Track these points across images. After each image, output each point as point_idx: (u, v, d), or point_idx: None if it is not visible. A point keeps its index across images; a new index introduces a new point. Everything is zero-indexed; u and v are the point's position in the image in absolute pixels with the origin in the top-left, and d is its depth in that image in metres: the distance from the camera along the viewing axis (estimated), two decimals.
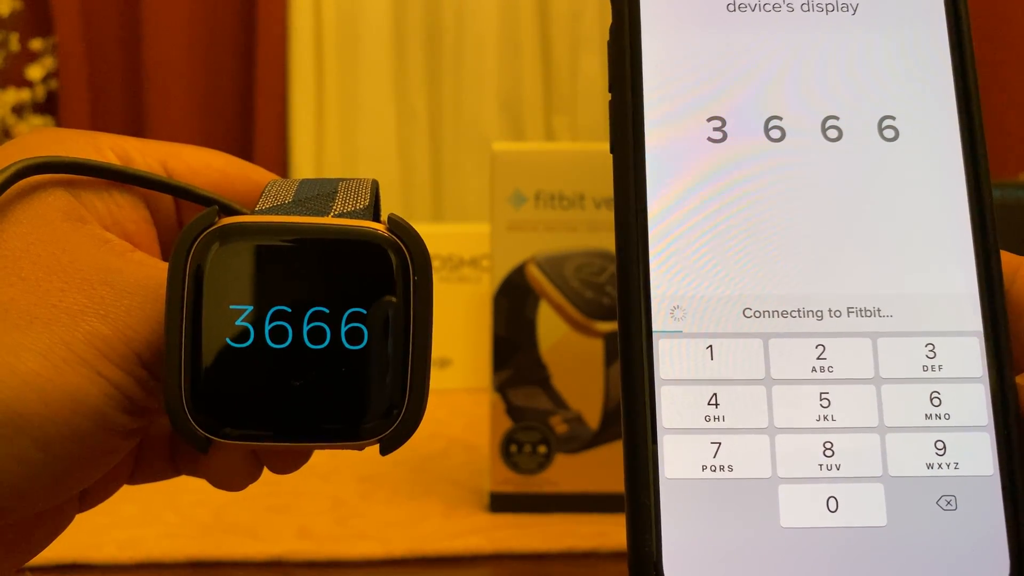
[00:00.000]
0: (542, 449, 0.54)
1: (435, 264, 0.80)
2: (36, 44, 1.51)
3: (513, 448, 0.54)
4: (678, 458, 0.21)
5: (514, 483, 0.54)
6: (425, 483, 0.58)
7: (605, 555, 0.49)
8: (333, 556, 0.48)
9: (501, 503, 0.54)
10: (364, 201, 0.24)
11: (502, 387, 0.54)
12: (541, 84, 1.59)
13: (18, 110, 1.49)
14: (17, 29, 1.50)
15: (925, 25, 0.23)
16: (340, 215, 0.23)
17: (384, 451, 0.22)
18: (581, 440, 0.54)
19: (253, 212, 0.24)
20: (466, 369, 0.82)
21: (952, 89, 0.23)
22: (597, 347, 0.54)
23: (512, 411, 0.54)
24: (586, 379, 0.54)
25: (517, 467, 0.54)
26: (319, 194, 0.24)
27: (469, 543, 0.49)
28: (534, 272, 0.54)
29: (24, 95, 1.48)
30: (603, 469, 0.54)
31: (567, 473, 0.54)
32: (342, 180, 0.25)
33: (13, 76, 1.49)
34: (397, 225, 0.23)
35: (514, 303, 0.54)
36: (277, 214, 0.23)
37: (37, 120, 1.49)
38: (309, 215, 0.23)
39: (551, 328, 0.54)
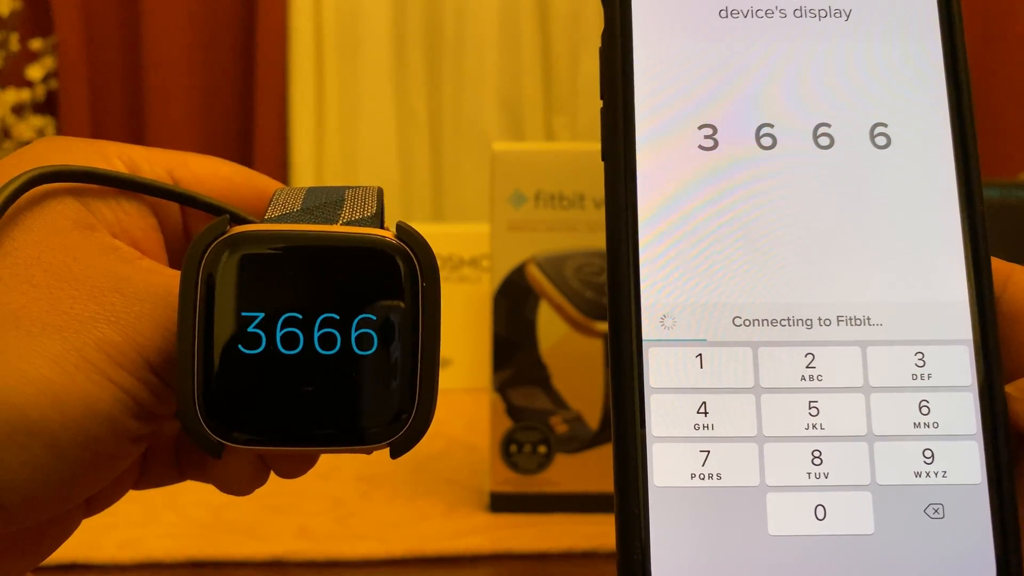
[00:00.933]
0: (542, 449, 0.54)
1: None
2: (36, 44, 1.51)
3: (513, 448, 0.54)
4: (667, 466, 0.21)
5: (514, 483, 0.54)
6: (425, 483, 0.58)
7: (605, 555, 0.49)
8: (333, 556, 0.48)
9: (501, 503, 0.54)
10: (371, 209, 0.24)
11: (502, 387, 0.54)
12: (541, 84, 1.59)
13: (18, 110, 1.49)
14: (17, 29, 1.49)
15: (918, 31, 0.23)
16: (348, 223, 0.24)
17: (394, 455, 0.23)
18: (581, 440, 0.54)
19: (262, 220, 0.24)
20: (466, 369, 0.82)
21: (945, 96, 0.23)
22: (597, 347, 0.54)
23: (512, 411, 0.54)
24: (586, 379, 0.54)
25: (517, 467, 0.54)
26: (327, 202, 0.25)
27: (469, 543, 0.49)
28: (534, 272, 0.54)
29: (24, 95, 1.48)
30: (603, 469, 0.54)
31: (567, 473, 0.54)
32: (348, 188, 0.26)
33: (13, 76, 1.49)
34: (405, 232, 0.23)
35: (514, 303, 0.54)
36: (286, 222, 0.24)
37: (37, 120, 1.49)
38: (318, 223, 0.24)
39: (551, 328, 0.54)
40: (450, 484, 0.58)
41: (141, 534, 0.49)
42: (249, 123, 1.57)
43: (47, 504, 0.22)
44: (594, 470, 0.54)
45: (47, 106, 1.53)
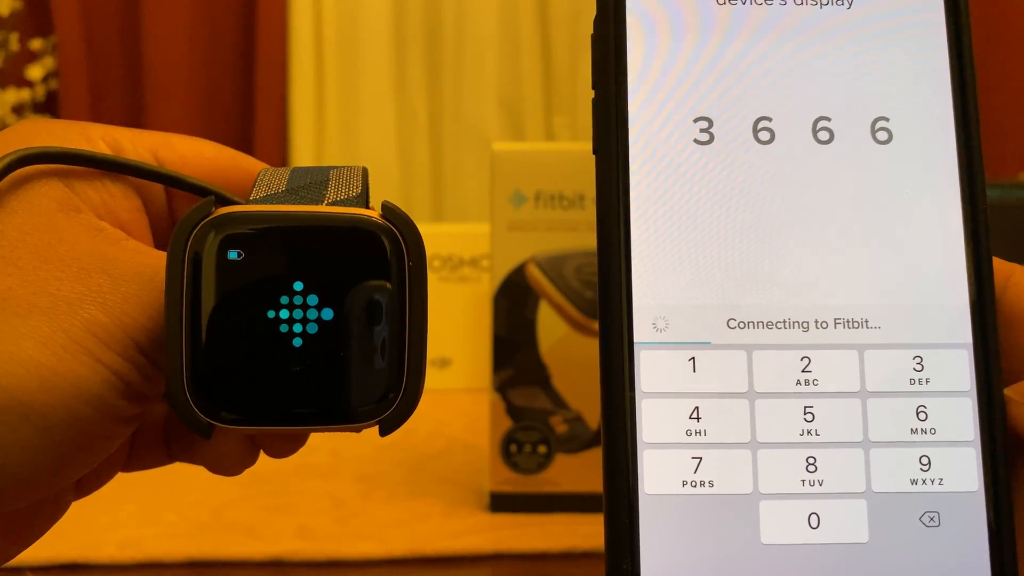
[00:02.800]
0: (542, 449, 0.54)
1: (435, 264, 0.80)
2: (36, 44, 1.51)
3: (513, 448, 0.54)
4: (658, 473, 0.20)
5: (514, 483, 0.54)
6: (425, 483, 0.58)
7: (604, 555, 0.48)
8: (333, 556, 0.48)
9: (501, 503, 0.54)
10: (356, 189, 0.25)
11: (502, 387, 0.54)
12: (541, 84, 1.59)
13: (18, 110, 1.49)
14: (17, 29, 1.50)
15: (923, 21, 0.22)
16: (334, 203, 0.24)
17: (383, 432, 0.23)
18: (581, 440, 0.54)
19: (248, 201, 0.24)
20: (466, 369, 0.82)
21: (949, 89, 0.22)
22: (597, 347, 0.53)
23: (512, 411, 0.54)
24: (586, 379, 0.54)
25: (517, 467, 0.54)
26: (311, 182, 0.25)
27: (469, 543, 0.49)
28: (534, 272, 0.54)
29: (24, 95, 1.48)
30: None
31: (567, 473, 0.54)
32: (333, 168, 0.26)
33: (13, 76, 1.49)
34: (390, 211, 0.23)
35: (514, 303, 0.54)
36: (271, 203, 0.24)
37: None
38: (303, 203, 0.24)
39: (551, 328, 0.54)
40: (450, 484, 0.58)
41: (141, 534, 0.49)
42: (249, 123, 1.57)
43: (37, 485, 0.22)
44: (594, 470, 0.54)
45: (47, 106, 1.53)
